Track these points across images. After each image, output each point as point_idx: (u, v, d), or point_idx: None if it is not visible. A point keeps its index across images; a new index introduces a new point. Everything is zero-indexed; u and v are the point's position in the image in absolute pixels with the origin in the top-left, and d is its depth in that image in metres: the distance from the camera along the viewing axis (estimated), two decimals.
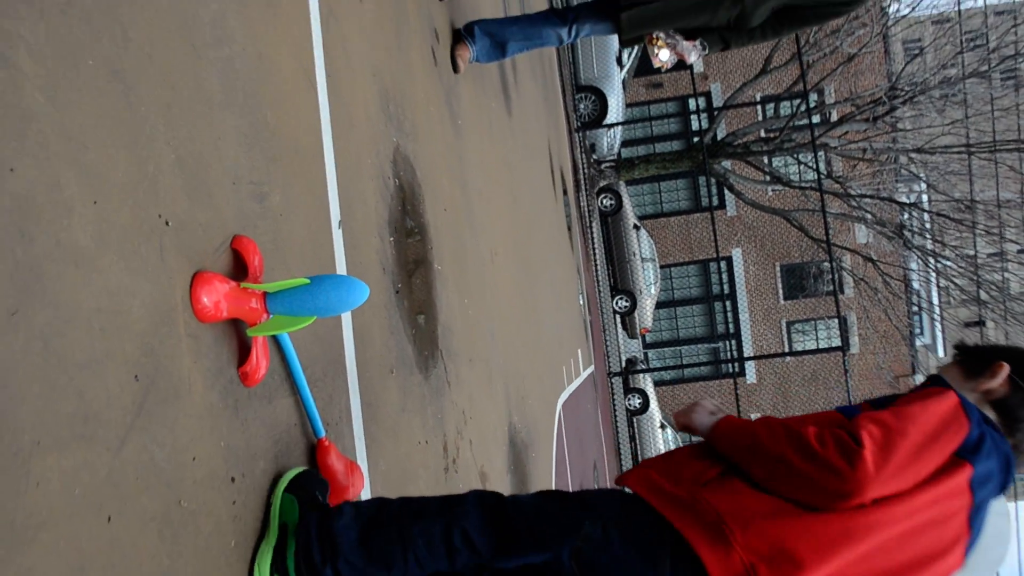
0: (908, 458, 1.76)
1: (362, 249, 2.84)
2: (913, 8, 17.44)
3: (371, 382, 2.76)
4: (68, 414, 1.33)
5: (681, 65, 4.52)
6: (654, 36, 4.29)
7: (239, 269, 1.93)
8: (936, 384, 2.01)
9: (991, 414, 1.95)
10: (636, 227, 19.03)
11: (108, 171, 1.51)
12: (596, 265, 17.07)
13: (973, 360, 2.06)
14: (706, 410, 2.06)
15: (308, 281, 1.90)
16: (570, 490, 1.84)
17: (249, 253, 1.94)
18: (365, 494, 2.57)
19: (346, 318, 2.60)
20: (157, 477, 1.54)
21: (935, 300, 21.58)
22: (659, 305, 23.45)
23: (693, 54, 4.30)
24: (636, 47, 4.96)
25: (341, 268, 2.60)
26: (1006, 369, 1.96)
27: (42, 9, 1.38)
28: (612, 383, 16.91)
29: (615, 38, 4.47)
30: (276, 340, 2.07)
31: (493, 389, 4.82)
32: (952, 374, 2.06)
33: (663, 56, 4.33)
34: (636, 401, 18.96)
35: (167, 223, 1.67)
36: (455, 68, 4.67)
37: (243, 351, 1.90)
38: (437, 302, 3.72)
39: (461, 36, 4.64)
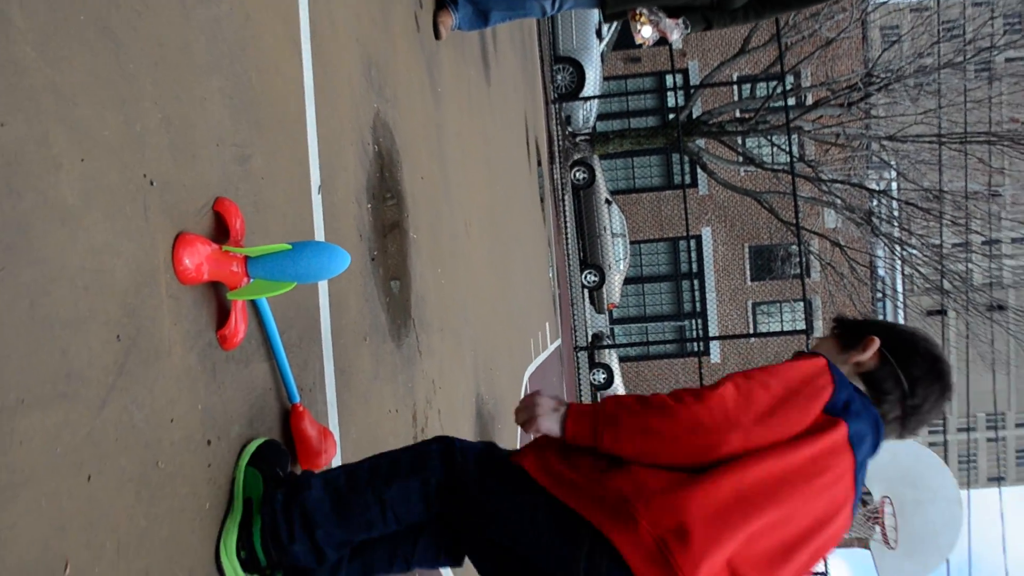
0: (769, 406, 1.80)
1: (340, 215, 2.83)
2: None
3: (345, 349, 2.77)
4: (52, 372, 1.33)
5: (663, 42, 4.52)
6: (637, 12, 4.28)
7: (221, 231, 1.93)
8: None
9: (860, 385, 2.00)
10: (608, 202, 19.06)
11: (97, 129, 1.50)
12: (567, 238, 17.09)
13: (848, 334, 2.11)
14: (548, 408, 1.93)
15: (290, 247, 1.89)
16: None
17: (231, 216, 1.94)
18: (336, 461, 2.58)
19: (323, 284, 2.60)
20: (136, 438, 1.54)
21: (899, 287, 21.81)
22: (627, 281, 23.53)
23: (675, 32, 4.30)
24: (617, 22, 4.89)
25: (319, 233, 2.60)
26: (876, 343, 2.03)
27: None
28: (578, 357, 16.99)
29: (595, 10, 4.44)
30: (254, 304, 2.07)
31: (463, 360, 4.83)
32: (827, 347, 2.12)
33: (645, 33, 4.33)
34: (601, 376, 19.06)
35: (152, 183, 1.66)
36: (436, 35, 4.64)
37: (222, 314, 1.90)
38: (411, 271, 3.72)
39: (444, 2, 4.61)
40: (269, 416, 2.13)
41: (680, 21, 4.30)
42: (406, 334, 3.57)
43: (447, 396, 4.29)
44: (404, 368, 3.51)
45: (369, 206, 3.20)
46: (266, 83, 2.30)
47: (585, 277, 19.28)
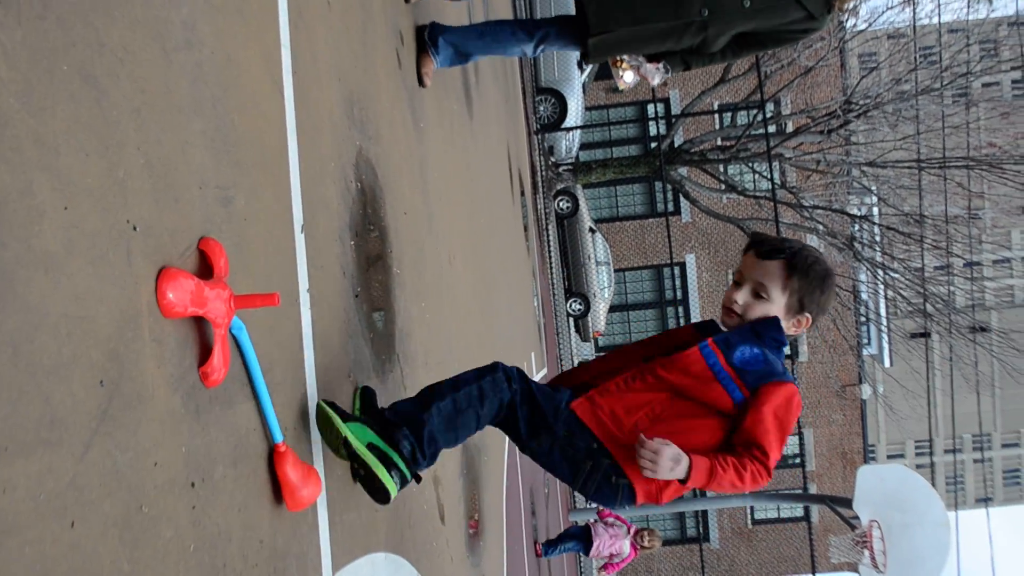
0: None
1: (323, 253, 2.85)
2: (870, 24, 17.74)
3: (329, 386, 2.77)
4: (35, 419, 1.34)
5: (643, 84, 4.63)
6: (618, 59, 4.37)
7: (205, 270, 1.94)
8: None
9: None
10: (592, 230, 19.13)
11: (79, 176, 1.51)
12: (551, 267, 17.13)
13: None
14: (671, 463, 2.39)
15: None
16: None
17: (215, 254, 1.95)
18: (321, 499, 2.58)
19: (306, 322, 2.61)
20: (119, 482, 1.54)
21: (882, 311, 21.91)
22: (612, 309, 23.56)
23: (656, 76, 4.38)
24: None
25: (302, 272, 2.61)
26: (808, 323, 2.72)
27: (19, 14, 1.39)
28: None
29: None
30: (237, 344, 2.08)
31: None
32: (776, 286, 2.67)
33: (627, 78, 4.42)
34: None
35: (135, 228, 1.68)
36: (421, 83, 4.66)
37: (205, 354, 1.90)
38: (395, 305, 3.74)
39: (425, 47, 4.62)
40: (253, 456, 2.14)
41: (660, 65, 4.38)
42: (390, 369, 3.58)
43: None
44: (389, 403, 3.51)
45: (352, 243, 3.21)
46: (248, 124, 2.32)
47: (570, 305, 19.31)
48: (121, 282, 1.61)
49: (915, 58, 16.46)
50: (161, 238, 1.78)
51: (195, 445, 1.84)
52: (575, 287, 19.26)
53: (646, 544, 9.67)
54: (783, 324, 2.64)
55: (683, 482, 2.44)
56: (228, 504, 1.98)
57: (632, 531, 9.99)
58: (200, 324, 1.90)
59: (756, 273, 2.63)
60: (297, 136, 2.69)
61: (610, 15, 4.26)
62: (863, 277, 19.81)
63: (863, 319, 22.71)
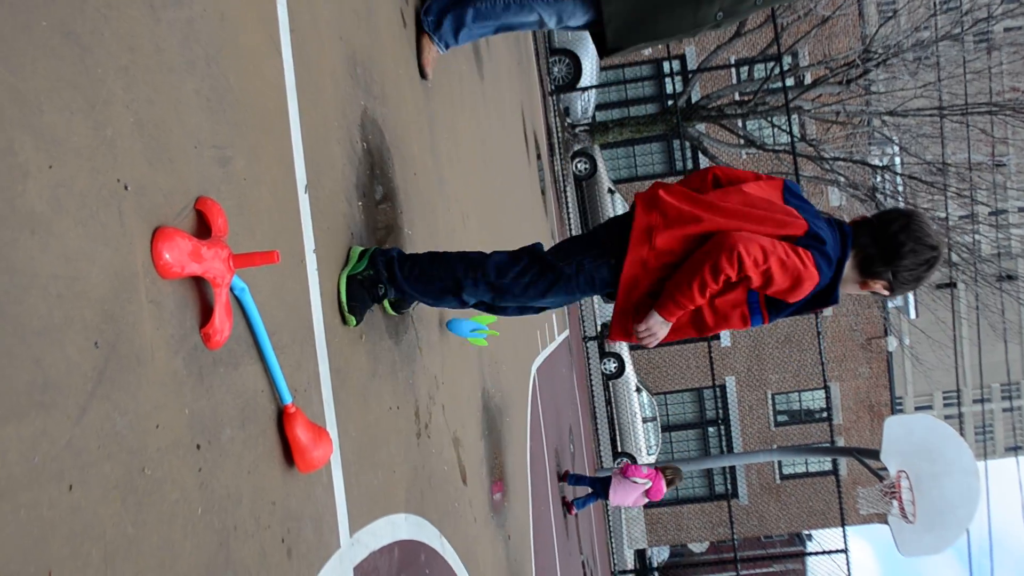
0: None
1: (330, 213, 2.82)
2: None
3: (340, 348, 2.75)
4: (26, 382, 1.32)
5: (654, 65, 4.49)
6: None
7: (204, 231, 1.91)
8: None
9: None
10: (611, 191, 19.03)
11: (64, 135, 1.48)
12: (570, 230, 17.06)
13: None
14: (660, 325, 2.83)
15: None
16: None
17: (213, 214, 1.92)
18: (335, 460, 2.56)
19: (314, 283, 2.58)
20: (119, 445, 1.53)
21: None
22: None
23: None
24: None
25: (308, 233, 2.58)
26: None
27: None
28: (587, 348, 16.97)
29: None
30: (241, 306, 2.06)
31: (465, 354, 4.82)
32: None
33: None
34: (612, 365, 19.04)
35: (126, 187, 1.65)
36: (423, 75, 4.49)
37: (207, 315, 1.88)
38: None
39: (422, 29, 4.40)
40: (262, 417, 2.12)
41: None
42: (404, 331, 3.56)
43: (451, 391, 4.28)
44: (404, 365, 3.50)
45: (360, 203, 3.18)
46: (245, 84, 2.28)
47: None
48: (114, 242, 1.59)
49: (934, 3, 16.18)
50: (155, 198, 1.75)
51: (199, 407, 1.82)
52: None
53: (668, 478, 9.97)
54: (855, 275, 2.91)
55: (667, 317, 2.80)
56: (237, 466, 1.96)
57: (653, 483, 10.18)
58: (200, 285, 1.88)
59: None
60: (298, 96, 2.65)
61: (630, 34, 4.06)
62: None
63: None
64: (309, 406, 2.44)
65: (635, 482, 9.98)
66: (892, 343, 24.37)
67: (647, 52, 4.59)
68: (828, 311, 23.39)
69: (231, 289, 2.01)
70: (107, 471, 1.48)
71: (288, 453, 2.22)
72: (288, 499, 2.21)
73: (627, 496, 9.93)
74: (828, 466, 23.97)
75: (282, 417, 2.20)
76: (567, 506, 10.07)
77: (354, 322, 2.86)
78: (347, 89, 3.22)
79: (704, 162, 22.85)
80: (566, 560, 9.20)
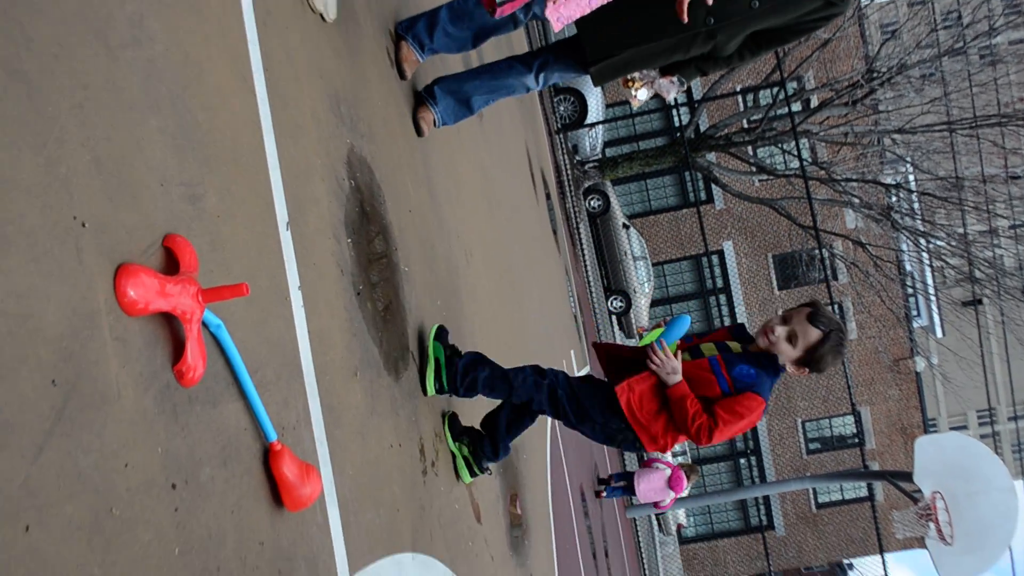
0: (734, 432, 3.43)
1: (316, 251, 2.79)
2: None
3: (332, 385, 2.71)
4: None
5: (660, 100, 4.49)
6: (629, 79, 4.20)
7: (173, 268, 1.89)
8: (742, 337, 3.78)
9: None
10: (625, 226, 19.02)
11: (11, 172, 1.46)
12: (586, 266, 17.02)
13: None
14: (670, 370, 3.49)
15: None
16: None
17: (182, 250, 1.90)
18: (331, 499, 2.52)
19: (300, 320, 2.55)
20: (83, 484, 1.49)
21: (929, 280, 21.54)
22: (654, 303, 23.42)
23: (672, 91, 4.21)
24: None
25: (292, 270, 2.55)
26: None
27: None
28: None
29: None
30: (218, 343, 2.02)
31: None
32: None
33: (641, 96, 4.25)
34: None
35: (84, 224, 1.62)
36: (419, 132, 4.47)
37: (179, 352, 1.85)
38: (405, 303, 3.68)
39: (422, 99, 4.43)
40: (246, 455, 2.08)
41: (674, 79, 4.18)
42: (404, 367, 3.52)
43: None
44: (406, 401, 3.45)
45: (350, 240, 3.15)
46: (216, 121, 2.27)
47: (611, 303, 19.20)
48: (71, 279, 1.56)
49: (934, 19, 16.17)
50: (118, 235, 1.73)
51: (174, 446, 1.78)
52: (614, 284, 19.15)
53: (687, 470, 10.37)
54: (789, 367, 3.51)
55: (665, 387, 3.49)
56: (219, 506, 1.92)
57: (673, 471, 10.47)
58: (170, 321, 1.85)
59: (799, 328, 3.42)
60: (275, 133, 2.64)
61: (608, 41, 4.01)
62: (904, 247, 19.51)
63: (910, 290, 22.36)
64: (300, 444, 2.40)
65: (657, 467, 10.19)
66: (920, 363, 24.11)
67: (642, 96, 4.57)
68: (853, 333, 23.18)
69: (206, 326, 1.98)
70: (69, 511, 1.44)
71: (276, 492, 2.17)
72: (278, 539, 2.16)
73: (652, 484, 10.18)
74: (864, 492, 23.65)
75: (267, 455, 2.16)
76: (598, 492, 10.43)
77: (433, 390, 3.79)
78: (330, 127, 3.21)
79: (716, 192, 22.85)
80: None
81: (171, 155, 2.01)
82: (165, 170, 1.96)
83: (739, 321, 23.45)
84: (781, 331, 3.46)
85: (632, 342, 21.20)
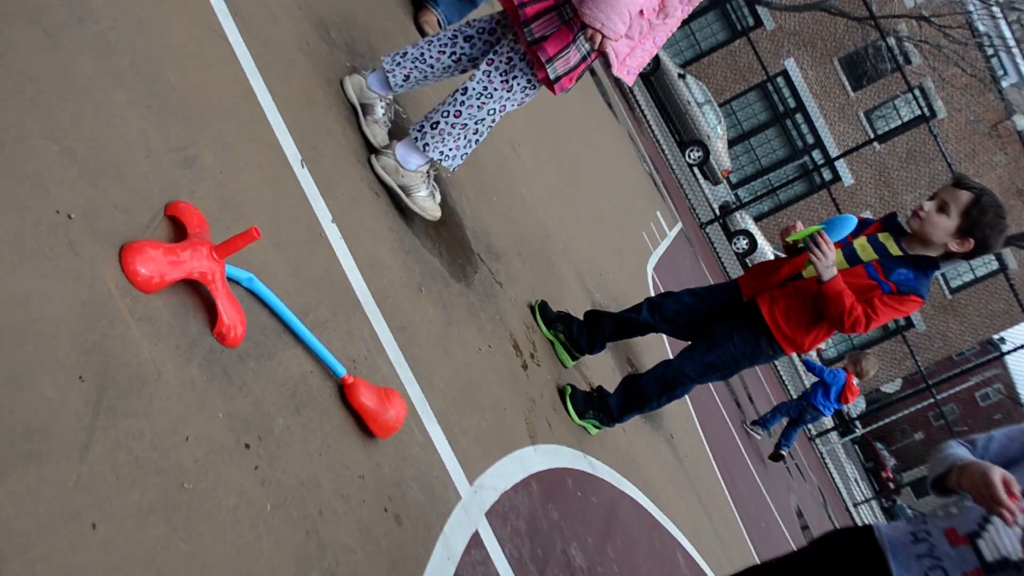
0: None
1: (340, 180, 2.72)
2: None
3: (397, 306, 2.65)
4: (4, 435, 1.25)
5: None
6: None
7: (183, 234, 1.83)
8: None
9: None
10: (681, 76, 18.49)
11: None
12: (652, 127, 16.65)
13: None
14: (829, 262, 3.38)
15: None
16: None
17: (186, 215, 1.84)
18: (426, 415, 2.48)
19: (342, 252, 2.49)
20: (142, 469, 1.46)
21: (1007, 34, 20.52)
22: (731, 143, 22.87)
23: None
24: None
25: (318, 204, 2.48)
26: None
27: None
28: (708, 233, 16.59)
29: None
30: (256, 296, 1.97)
31: (559, 274, 4.68)
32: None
33: None
34: (743, 243, 18.60)
35: (69, 216, 1.57)
36: (423, 36, 4.29)
37: (214, 316, 1.80)
38: (456, 209, 3.59)
39: (422, 2, 4.26)
40: (319, 397, 2.04)
41: None
42: (473, 271, 3.45)
43: None
44: (485, 303, 3.39)
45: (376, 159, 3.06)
46: (190, 78, 2.19)
47: (688, 155, 18.80)
48: (72, 273, 1.52)
49: None
50: (112, 217, 1.68)
51: (236, 407, 1.75)
52: (686, 136, 18.72)
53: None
54: (951, 244, 3.26)
55: (820, 283, 3.42)
56: (303, 452, 1.88)
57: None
58: (196, 288, 1.80)
59: (948, 195, 3.23)
60: (262, 76, 2.55)
61: None
62: (972, 7, 18.55)
63: (989, 51, 21.31)
64: (377, 372, 2.36)
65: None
66: (1020, 121, 23.08)
67: None
68: (942, 112, 22.29)
69: (237, 282, 1.93)
70: (136, 498, 1.42)
71: (363, 424, 2.14)
72: (379, 468, 2.13)
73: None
74: (995, 265, 22.98)
75: (342, 391, 2.12)
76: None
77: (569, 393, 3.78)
78: (324, 55, 3.10)
79: (763, 12, 22.00)
80: (746, 442, 9.03)
81: (150, 124, 1.94)
82: (147, 141, 1.90)
83: (831, 154, 22.73)
84: (930, 205, 3.28)
85: (721, 187, 20.62)
